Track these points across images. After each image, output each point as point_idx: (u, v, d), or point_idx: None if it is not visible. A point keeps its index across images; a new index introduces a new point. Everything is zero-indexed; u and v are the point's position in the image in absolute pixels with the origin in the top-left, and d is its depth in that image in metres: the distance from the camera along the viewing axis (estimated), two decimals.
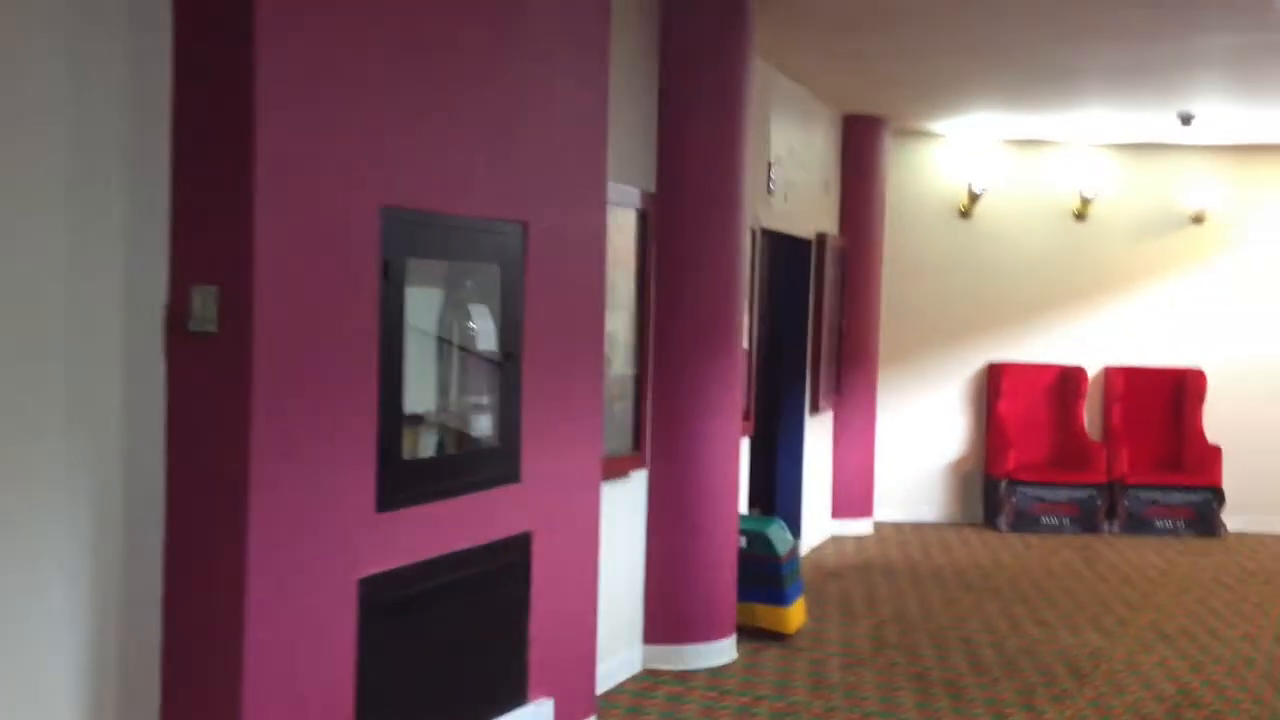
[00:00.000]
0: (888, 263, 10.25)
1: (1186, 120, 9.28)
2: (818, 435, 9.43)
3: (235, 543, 3.25)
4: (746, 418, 7.48)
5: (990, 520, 10.41)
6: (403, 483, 3.82)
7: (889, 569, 8.73)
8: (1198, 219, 10.70)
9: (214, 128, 3.28)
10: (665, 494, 6.07)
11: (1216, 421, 10.52)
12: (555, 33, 4.54)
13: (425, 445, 4.07)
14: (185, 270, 3.30)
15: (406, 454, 3.89)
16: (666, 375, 6.06)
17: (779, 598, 6.64)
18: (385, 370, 3.68)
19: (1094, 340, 10.80)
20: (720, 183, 6.12)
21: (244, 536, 3.24)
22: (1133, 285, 10.81)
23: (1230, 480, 10.33)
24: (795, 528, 9.00)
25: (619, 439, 5.73)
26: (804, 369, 9.10)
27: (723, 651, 6.20)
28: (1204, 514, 10.28)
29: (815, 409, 9.18)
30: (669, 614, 6.10)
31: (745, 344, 7.39)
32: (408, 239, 3.78)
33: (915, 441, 10.68)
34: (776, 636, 6.64)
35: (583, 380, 4.72)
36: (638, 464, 5.89)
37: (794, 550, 6.86)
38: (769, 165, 8.00)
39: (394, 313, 3.72)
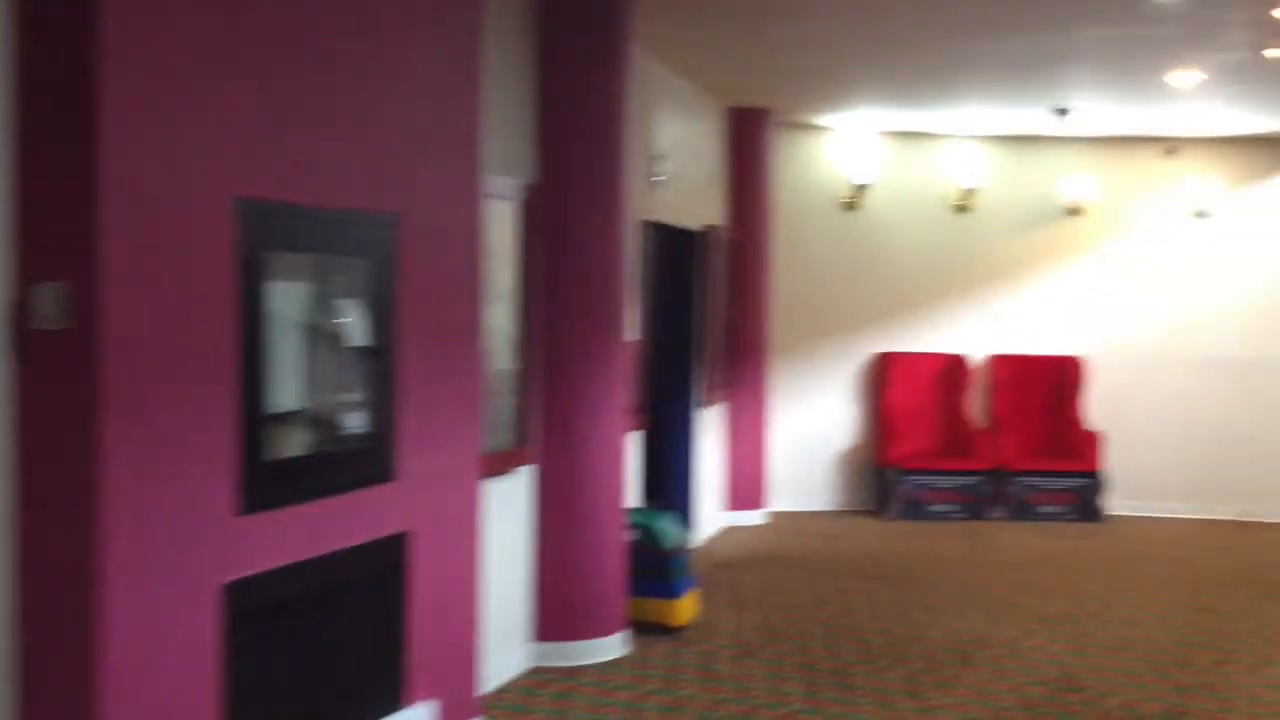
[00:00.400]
0: (777, 254, 10.29)
1: (1062, 113, 9.47)
2: (709, 427, 9.44)
3: (88, 549, 3.10)
4: (635, 411, 7.44)
5: (880, 508, 10.53)
6: (268, 484, 3.68)
7: (781, 559, 8.77)
8: (1075, 211, 10.93)
9: (57, 115, 3.12)
10: (552, 489, 6.00)
11: (1097, 408, 10.76)
12: (426, 21, 4.44)
13: (292, 444, 3.94)
14: (31, 265, 3.14)
15: (271, 454, 3.76)
16: (551, 369, 5.99)
17: (669, 591, 6.62)
18: (246, 368, 3.55)
19: (978, 329, 10.97)
20: (602, 174, 6.07)
21: (98, 543, 3.09)
22: (1014, 275, 11.01)
23: (1111, 465, 10.57)
24: (687, 520, 8.98)
25: (503, 434, 5.64)
26: (695, 361, 9.09)
27: (612, 646, 6.16)
28: (1086, 499, 10.50)
29: (707, 401, 9.18)
30: (558, 610, 6.03)
31: (633, 336, 7.36)
32: (269, 231, 3.65)
33: (807, 431, 10.76)
34: (668, 630, 6.62)
35: (460, 375, 4.62)
36: (523, 459, 5.81)
37: (684, 543, 6.83)
38: (654, 157, 7.97)
39: (254, 308, 3.59)
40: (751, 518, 9.99)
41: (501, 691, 5.60)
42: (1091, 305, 10.97)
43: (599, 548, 6.09)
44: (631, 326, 7.25)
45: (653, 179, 7.97)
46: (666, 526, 6.69)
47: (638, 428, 7.50)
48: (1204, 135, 10.59)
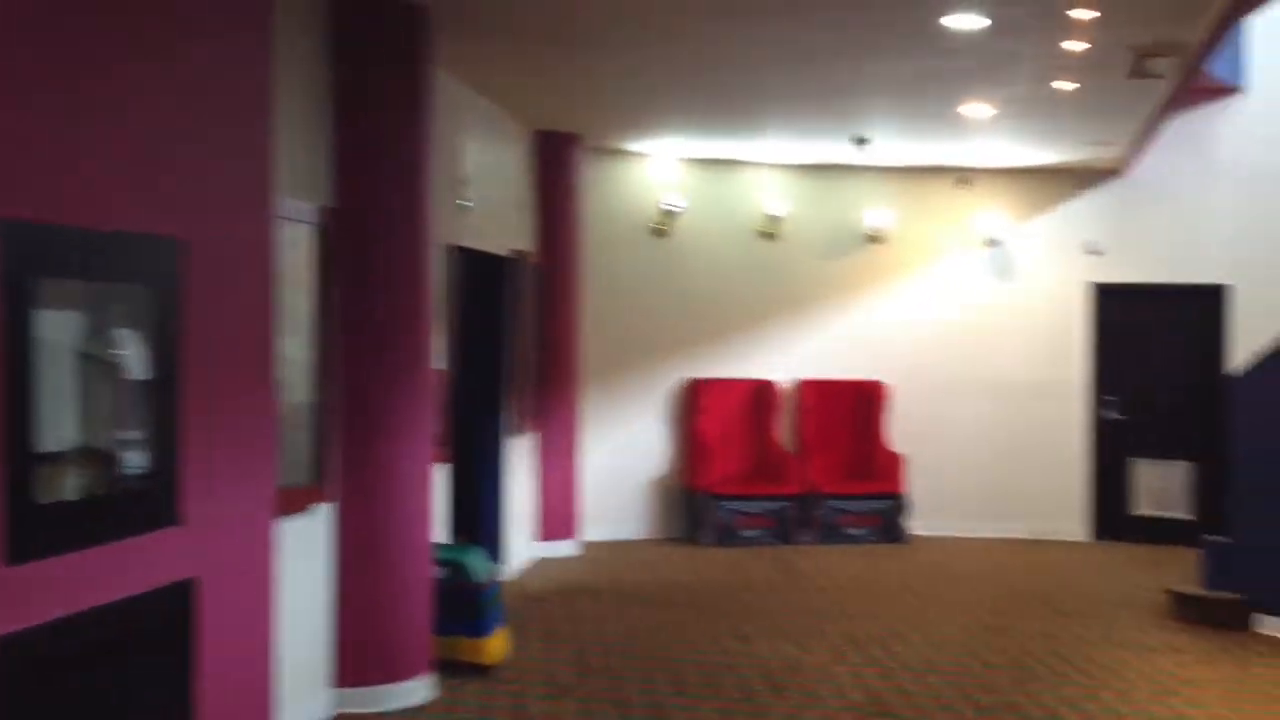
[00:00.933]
0: (588, 281, 10.22)
1: (861, 143, 9.68)
2: (520, 457, 9.26)
3: None
4: (442, 442, 7.22)
5: (693, 535, 10.52)
6: (39, 530, 3.36)
7: (594, 590, 8.64)
8: (875, 238, 11.19)
9: None
10: (353, 527, 5.73)
11: (900, 430, 11.02)
12: (212, 38, 4.17)
13: (66, 486, 3.61)
14: None
15: (43, 497, 3.43)
16: (351, 401, 5.73)
17: (479, 628, 6.41)
18: (12, 403, 3.23)
19: (786, 355, 11.12)
20: (403, 197, 5.86)
21: None
22: (820, 302, 11.21)
23: (913, 486, 10.83)
24: (498, 553, 8.78)
25: (299, 471, 5.35)
26: (504, 390, 8.91)
27: (419, 690, 5.91)
28: (890, 520, 10.72)
29: (516, 430, 9.00)
30: (360, 654, 5.76)
31: (439, 365, 7.14)
32: (36, 255, 3.34)
33: (619, 459, 10.68)
34: (478, 669, 6.40)
35: (251, 409, 4.34)
36: (321, 496, 5.53)
37: (494, 578, 6.64)
38: (460, 181, 7.78)
39: (20, 337, 3.27)
40: (564, 548, 9.84)
41: None
42: (892, 331, 11.24)
43: (403, 586, 5.84)
44: (437, 355, 7.04)
45: (458, 203, 7.78)
46: (475, 561, 6.48)
47: (445, 460, 7.28)
48: (995, 166, 11.00)
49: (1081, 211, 11.23)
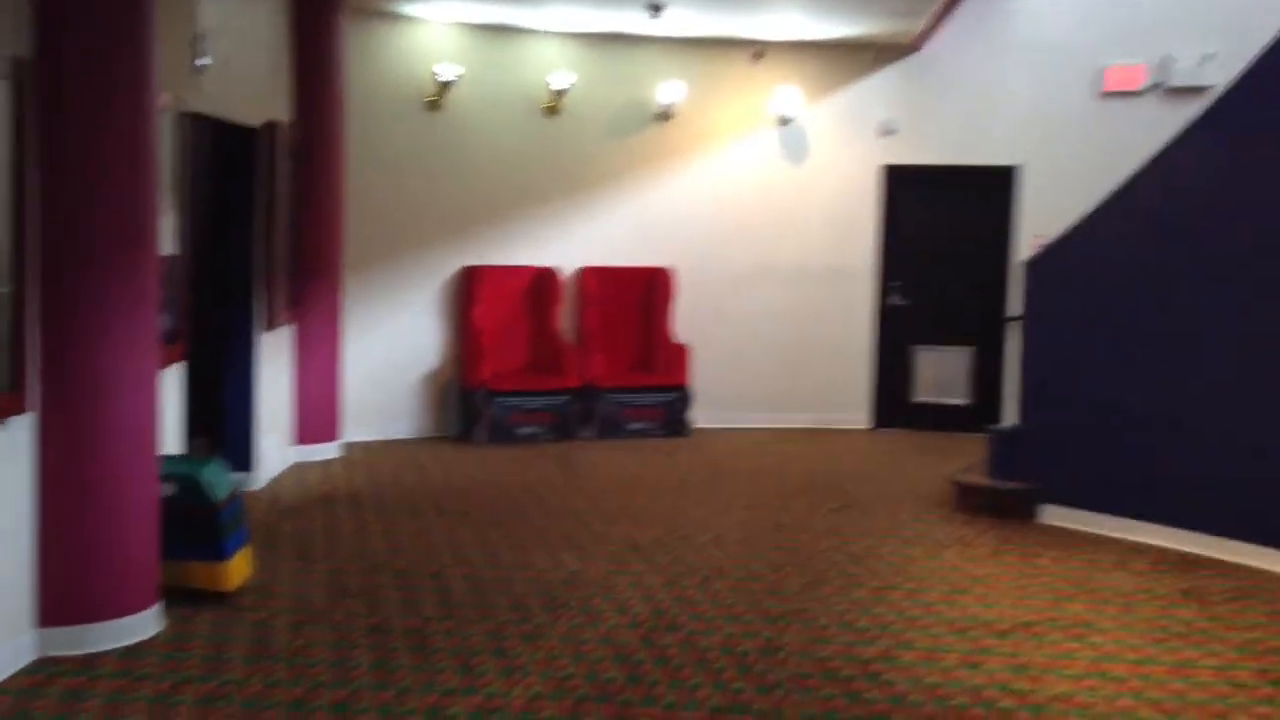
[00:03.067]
0: (352, 158, 9.33)
1: (656, 11, 9.02)
2: (274, 354, 8.41)
3: None
4: (174, 340, 6.35)
5: (468, 434, 9.90)
6: None
7: (355, 498, 7.95)
8: (665, 115, 10.61)
9: None
10: (58, 442, 4.88)
11: (685, 321, 10.59)
12: None
13: None
14: None
15: None
16: (56, 293, 4.82)
17: (216, 551, 5.66)
18: None
19: (568, 241, 10.49)
20: (117, 48, 4.91)
21: None
22: (605, 183, 10.60)
23: (697, 378, 10.46)
24: (248, 460, 8.00)
25: None
26: (254, 279, 8.01)
27: (142, 625, 5.15)
28: (673, 414, 10.34)
29: (270, 324, 8.14)
30: (70, 589, 4.95)
31: (169, 249, 6.24)
32: None
33: (387, 354, 9.94)
34: (217, 596, 5.67)
35: None
36: (16, 407, 4.65)
37: (235, 494, 5.88)
38: (197, 38, 6.78)
39: None
40: (325, 451, 9.09)
41: None
42: (680, 215, 10.74)
43: (118, 509, 5.03)
44: (167, 238, 6.14)
45: (196, 64, 6.79)
46: (210, 476, 5.70)
47: (179, 358, 6.41)
48: (791, 39, 10.51)
49: (876, 90, 10.91)
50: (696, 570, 6.45)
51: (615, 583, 6.20)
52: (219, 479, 5.76)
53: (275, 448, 8.44)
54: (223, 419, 8.04)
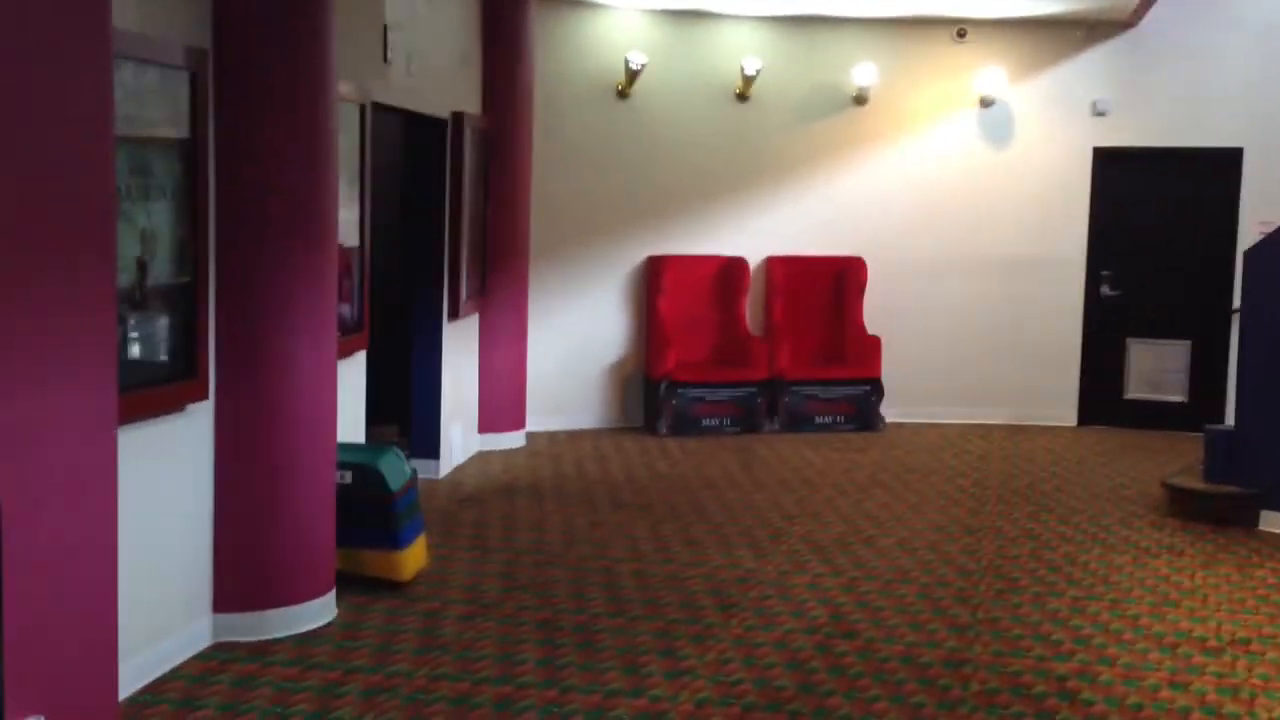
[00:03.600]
0: (539, 147, 9.31)
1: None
2: (460, 342, 8.46)
3: None
4: (359, 328, 6.41)
5: (651, 425, 9.79)
6: None
7: (535, 489, 7.92)
8: (859, 99, 10.26)
9: None
10: (236, 429, 4.95)
11: (876, 312, 10.23)
12: None
13: None
14: None
15: None
16: (234, 282, 4.89)
17: (392, 540, 5.68)
18: None
19: (757, 229, 10.26)
20: (301, 42, 4.94)
21: None
22: (795, 170, 10.30)
23: (888, 371, 10.09)
24: (433, 447, 8.07)
25: (165, 365, 4.54)
26: (440, 268, 8.06)
27: (317, 613, 5.20)
28: (863, 408, 10.00)
29: (455, 313, 8.18)
30: (246, 575, 5.03)
31: (354, 239, 6.31)
32: None
33: (572, 343, 9.90)
34: (390, 585, 5.70)
35: (76, 294, 3.49)
36: (195, 394, 4.73)
37: (411, 482, 5.89)
38: (387, 29, 6.83)
39: None
40: (509, 441, 9.10)
41: (167, 679, 4.59)
42: (874, 203, 10.37)
43: (295, 495, 5.08)
44: (351, 229, 6.21)
45: (385, 55, 6.84)
46: (388, 465, 5.72)
47: (361, 348, 6.48)
48: (995, 17, 10.02)
49: (1087, 68, 10.29)
50: (879, 574, 6.17)
51: (792, 584, 5.97)
52: (396, 467, 5.77)
53: (460, 437, 8.50)
54: (408, 407, 8.13)
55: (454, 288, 8.13)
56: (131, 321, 4.26)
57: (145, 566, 4.48)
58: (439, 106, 7.89)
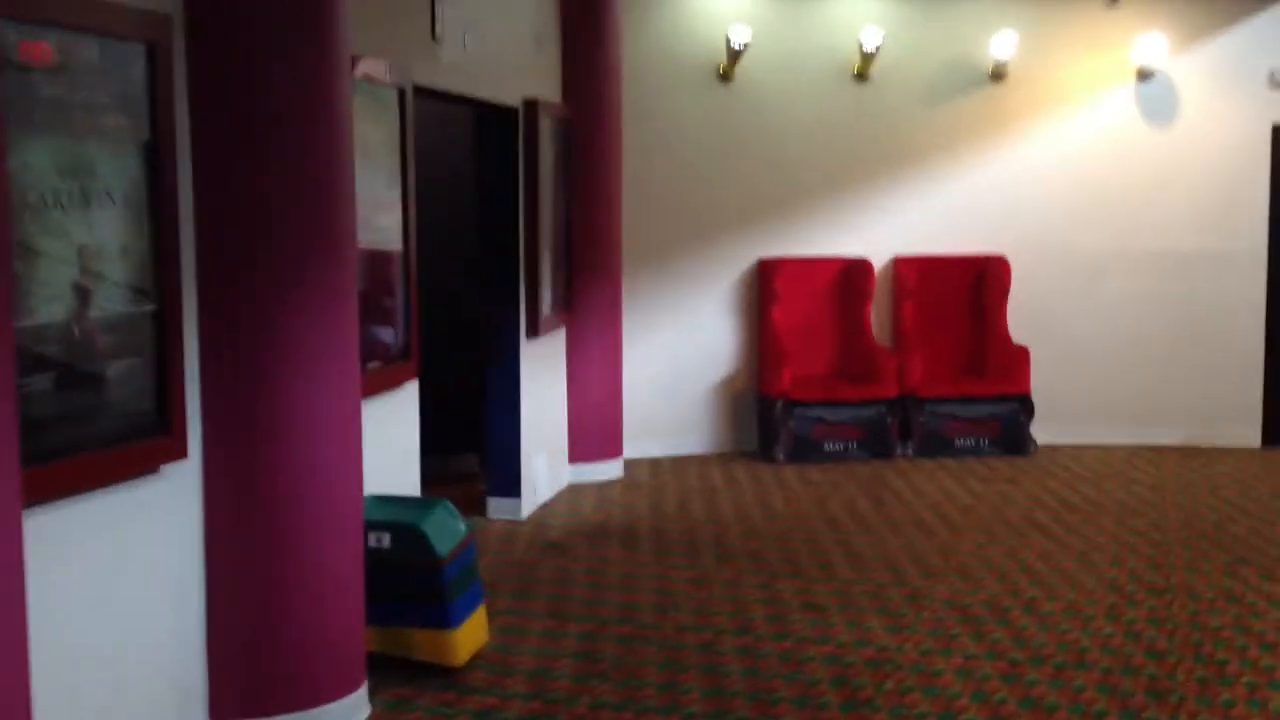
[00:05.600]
0: (630, 138, 8.23)
1: None
2: (542, 362, 7.42)
3: None
4: (406, 355, 5.39)
5: (765, 450, 8.63)
6: None
7: (630, 532, 6.82)
8: (997, 75, 8.97)
9: None
10: (231, 492, 3.94)
11: (1023, 318, 8.92)
12: None
13: None
14: None
15: None
16: (221, 308, 3.89)
17: (441, 617, 4.63)
18: None
19: (882, 226, 9.03)
20: (303, 3, 3.93)
21: None
22: (925, 157, 9.04)
23: (1038, 386, 8.77)
24: (513, 484, 7.03)
25: (125, 418, 3.54)
26: (515, 280, 7.03)
27: (343, 716, 4.17)
28: (1011, 428, 8.70)
29: (535, 330, 7.13)
30: (249, 671, 4.02)
31: (396, 245, 5.30)
32: None
33: (673, 360, 8.80)
34: (441, 670, 4.65)
35: None
36: (170, 452, 3.73)
37: (466, 542, 4.83)
38: (432, 3, 5.81)
39: None
40: (604, 471, 8.03)
41: None
42: (1017, 194, 9.06)
43: (312, 570, 4.06)
44: (392, 232, 5.20)
45: (437, 32, 5.82)
46: (435, 524, 4.68)
47: (407, 378, 5.45)
48: None
49: (1263, 33, 8.86)
50: (1046, 654, 4.93)
51: (937, 668, 4.77)
52: (444, 527, 4.73)
53: (546, 469, 7.46)
54: (488, 436, 7.13)
55: (533, 301, 7.09)
56: (61, 366, 3.27)
57: (114, 666, 3.51)
58: (507, 92, 6.85)
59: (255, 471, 3.96)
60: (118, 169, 3.46)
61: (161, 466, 3.72)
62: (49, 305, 3.22)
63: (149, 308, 3.61)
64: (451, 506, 4.89)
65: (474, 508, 7.09)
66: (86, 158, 3.34)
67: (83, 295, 3.34)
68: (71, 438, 3.29)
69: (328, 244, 4.05)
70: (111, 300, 3.47)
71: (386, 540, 4.61)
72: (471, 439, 7.74)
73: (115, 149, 3.45)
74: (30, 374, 3.14)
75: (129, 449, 3.54)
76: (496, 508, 7.05)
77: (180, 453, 3.74)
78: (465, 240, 7.24)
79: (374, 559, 4.55)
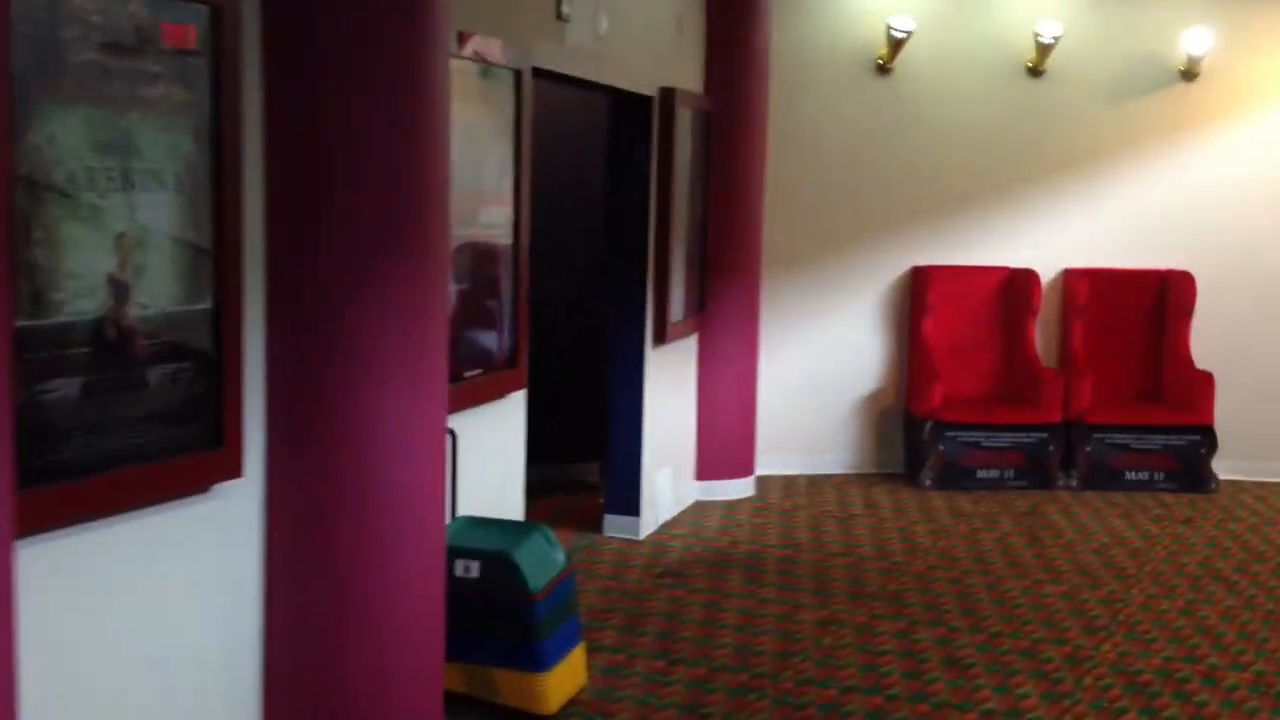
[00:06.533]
0: (776, 133, 7.64)
1: None
2: (670, 369, 6.90)
3: None
4: (513, 363, 4.92)
5: (912, 473, 7.95)
6: None
7: (755, 560, 6.26)
8: (1188, 74, 8.10)
9: None
10: (296, 515, 3.52)
11: (1208, 340, 8.04)
12: None
13: None
14: None
15: None
16: (292, 309, 3.47)
17: (532, 658, 4.16)
18: None
19: (1052, 235, 8.25)
20: None
21: None
22: (1103, 161, 8.23)
23: (1223, 416, 7.88)
24: (632, 501, 6.53)
25: (169, 431, 3.14)
26: (643, 281, 6.53)
27: None
28: (1190, 462, 7.84)
29: (662, 336, 6.62)
30: (308, 714, 3.59)
31: (506, 241, 4.85)
32: None
33: (814, 372, 8.16)
34: (531, 718, 4.18)
35: None
36: (222, 470, 3.31)
37: (564, 574, 4.35)
38: None
39: None
40: (734, 489, 7.47)
41: None
42: (1205, 203, 8.18)
43: (384, 606, 3.61)
44: (500, 229, 4.76)
45: (559, 10, 5.35)
46: (529, 553, 4.20)
47: (515, 387, 4.98)
48: None
49: None
50: None
51: None
52: (540, 556, 4.25)
53: (669, 486, 6.94)
54: (607, 449, 6.64)
55: (661, 304, 6.58)
56: (91, 370, 2.87)
57: (156, 713, 3.12)
58: (641, 80, 6.34)
59: (323, 491, 3.52)
60: (167, 147, 3.05)
61: (213, 485, 3.31)
62: (78, 301, 2.82)
63: (203, 306, 3.21)
64: (550, 533, 4.41)
65: (590, 524, 6.64)
66: (129, 133, 2.93)
67: (120, 290, 2.94)
68: (103, 451, 2.90)
69: (416, 239, 3.58)
70: (157, 297, 3.06)
71: (475, 569, 4.16)
72: (594, 446, 7.28)
73: (165, 124, 3.04)
74: (52, 378, 2.76)
75: (172, 465, 3.13)
76: (613, 526, 6.56)
77: (233, 470, 3.32)
78: (591, 236, 6.77)
79: (460, 589, 4.10)
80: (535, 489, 7.27)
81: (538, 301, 7.11)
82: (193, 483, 3.24)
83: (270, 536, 3.52)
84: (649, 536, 6.58)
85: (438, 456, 3.78)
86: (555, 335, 7.04)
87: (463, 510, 4.53)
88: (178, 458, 3.15)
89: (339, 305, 3.47)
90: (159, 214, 3.05)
